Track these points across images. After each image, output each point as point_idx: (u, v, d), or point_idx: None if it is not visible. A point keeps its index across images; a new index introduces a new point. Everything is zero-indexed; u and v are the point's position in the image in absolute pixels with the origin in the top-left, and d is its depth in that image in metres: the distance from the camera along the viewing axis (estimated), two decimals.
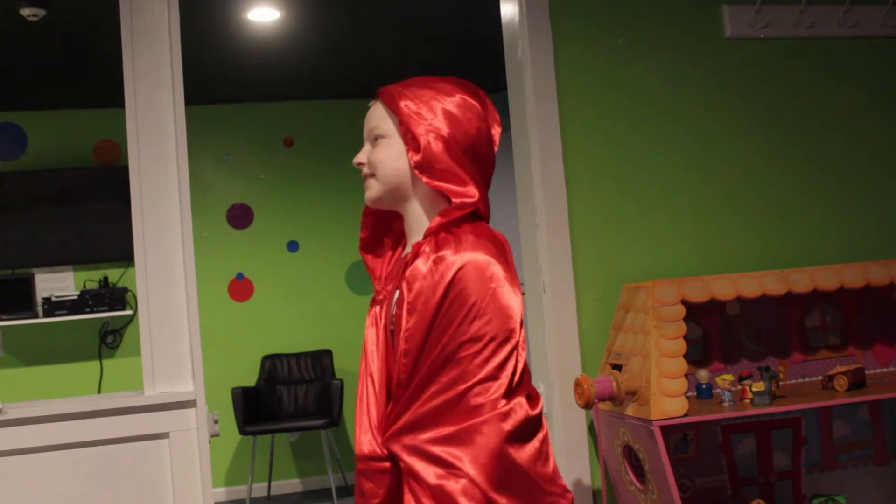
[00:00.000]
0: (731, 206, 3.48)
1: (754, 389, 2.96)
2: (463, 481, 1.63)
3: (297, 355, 6.93)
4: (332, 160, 6.97)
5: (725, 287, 3.03)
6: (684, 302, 2.97)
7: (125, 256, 6.02)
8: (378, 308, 1.90)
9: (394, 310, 1.82)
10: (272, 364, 6.88)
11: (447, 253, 1.73)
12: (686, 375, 2.89)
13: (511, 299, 1.72)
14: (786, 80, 3.58)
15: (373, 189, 1.90)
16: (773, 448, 3.35)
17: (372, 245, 2.02)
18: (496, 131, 1.90)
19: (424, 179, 1.82)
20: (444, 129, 1.82)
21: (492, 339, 1.69)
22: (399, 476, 1.75)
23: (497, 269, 1.73)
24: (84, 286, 6.39)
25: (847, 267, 3.18)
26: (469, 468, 1.64)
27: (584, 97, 3.38)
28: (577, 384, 2.95)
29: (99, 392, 6.26)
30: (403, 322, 1.73)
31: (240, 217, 7.02)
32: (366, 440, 1.78)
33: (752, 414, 3.14)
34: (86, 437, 2.72)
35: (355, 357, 6.97)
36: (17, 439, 2.68)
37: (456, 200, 1.81)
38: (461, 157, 1.83)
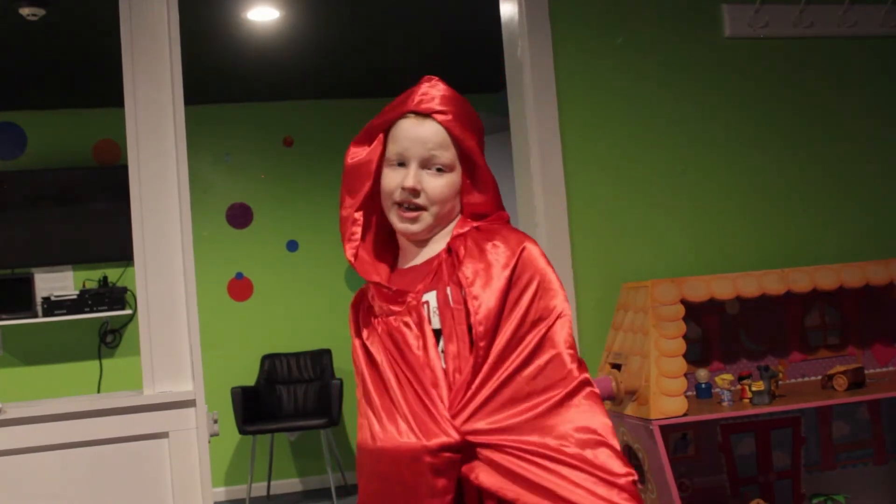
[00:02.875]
0: (730, 205, 3.48)
1: (754, 389, 2.96)
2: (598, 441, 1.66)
3: (297, 355, 6.93)
4: (332, 160, 6.92)
5: (725, 286, 3.03)
6: (684, 301, 2.97)
7: (125, 256, 6.01)
8: (406, 316, 1.79)
9: (434, 313, 1.78)
10: (272, 363, 6.88)
11: (500, 241, 1.78)
12: (685, 375, 2.89)
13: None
14: (785, 79, 3.58)
15: (424, 222, 1.82)
16: (773, 447, 3.35)
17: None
18: None
19: (476, 223, 1.85)
20: (490, 177, 1.86)
21: (560, 315, 1.75)
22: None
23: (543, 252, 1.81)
24: (83, 286, 6.38)
25: (846, 266, 3.18)
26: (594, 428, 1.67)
27: (584, 96, 3.38)
28: None
29: (98, 392, 6.26)
30: (472, 309, 1.72)
31: (239, 217, 7.02)
32: (436, 432, 1.65)
33: (752, 413, 3.14)
34: (85, 437, 2.72)
35: None
36: (17, 439, 2.68)
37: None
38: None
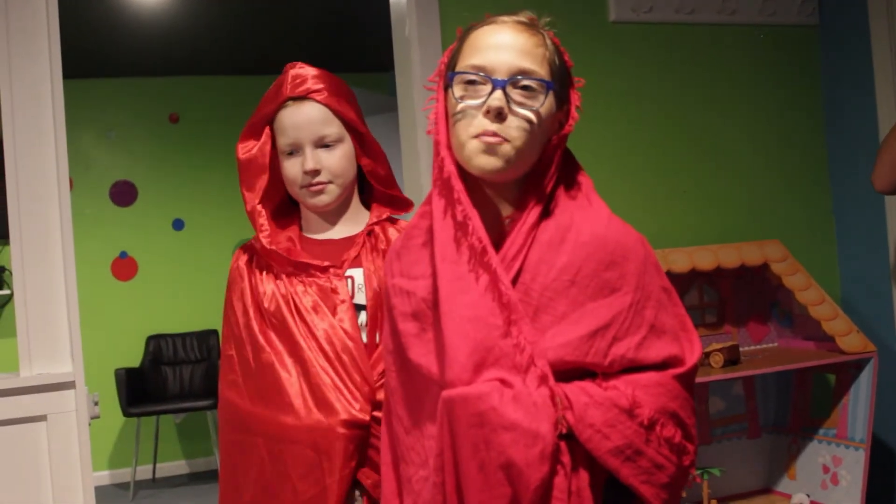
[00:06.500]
0: (612, 186, 3.54)
1: None
2: None
3: (183, 335, 6.83)
4: (219, 137, 6.84)
5: None
6: None
7: (0, 234, 5.82)
8: (324, 285, 1.90)
9: (359, 289, 1.90)
10: (157, 344, 6.76)
11: None
12: None
13: None
14: (667, 63, 3.65)
15: (332, 194, 1.92)
16: None
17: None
18: None
19: (378, 187, 1.98)
20: (376, 142, 1.98)
21: None
22: None
23: None
24: None
25: (723, 247, 3.29)
26: None
27: None
28: None
29: None
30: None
31: (123, 194, 6.85)
32: (359, 408, 1.79)
33: None
34: None
35: None
36: None
37: (407, 204, 2.02)
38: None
